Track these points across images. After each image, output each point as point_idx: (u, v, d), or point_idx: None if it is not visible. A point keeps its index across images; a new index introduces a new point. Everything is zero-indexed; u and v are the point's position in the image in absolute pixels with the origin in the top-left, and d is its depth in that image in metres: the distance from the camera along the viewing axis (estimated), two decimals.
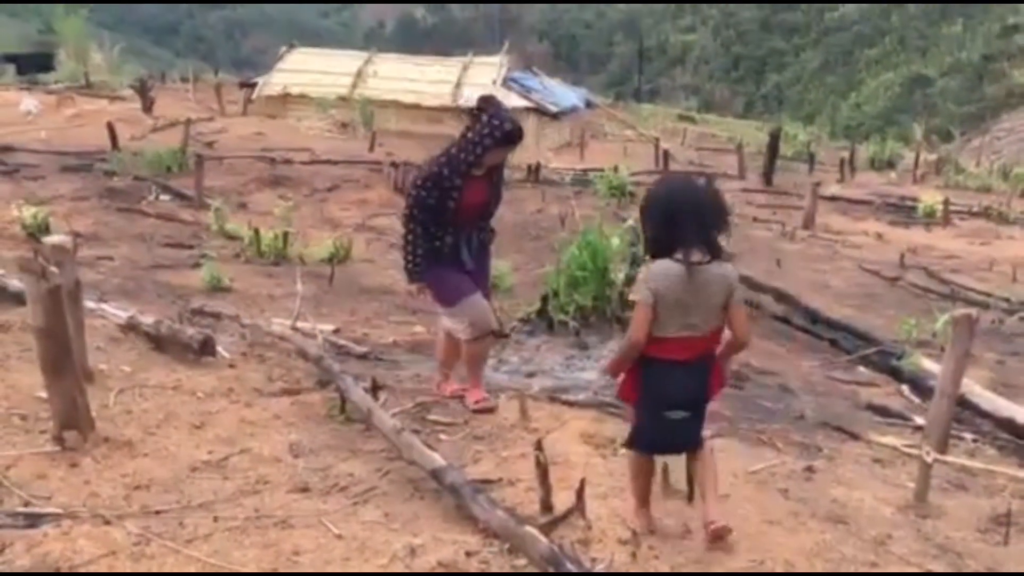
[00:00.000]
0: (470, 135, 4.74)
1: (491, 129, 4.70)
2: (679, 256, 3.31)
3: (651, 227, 3.45)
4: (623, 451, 3.89)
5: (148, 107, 19.79)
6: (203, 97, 24.13)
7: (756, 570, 3.34)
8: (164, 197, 11.60)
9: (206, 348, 5.33)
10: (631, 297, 3.44)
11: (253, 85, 23.92)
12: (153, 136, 15.82)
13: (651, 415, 3.45)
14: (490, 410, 4.81)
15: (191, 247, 9.03)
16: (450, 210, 4.74)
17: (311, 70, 23.23)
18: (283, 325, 6.05)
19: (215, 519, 3.48)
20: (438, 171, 4.74)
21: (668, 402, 3.40)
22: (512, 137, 4.76)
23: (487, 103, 4.82)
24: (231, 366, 5.33)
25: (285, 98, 22.67)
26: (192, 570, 3.13)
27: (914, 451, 4.43)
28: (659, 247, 3.39)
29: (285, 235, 8.91)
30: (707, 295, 3.33)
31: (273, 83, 23.16)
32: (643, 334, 3.32)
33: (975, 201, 16.33)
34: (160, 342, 5.43)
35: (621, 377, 3.55)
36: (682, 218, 3.33)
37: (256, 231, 8.86)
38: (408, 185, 5.02)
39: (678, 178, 3.38)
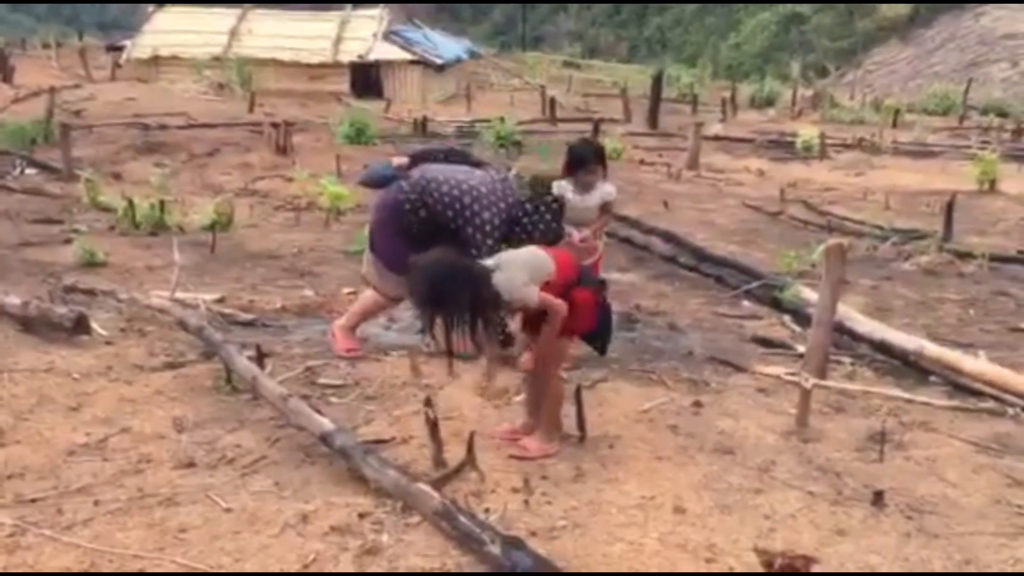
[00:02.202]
0: (526, 221, 5.04)
1: (546, 229, 5.05)
2: None
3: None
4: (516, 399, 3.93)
5: (7, 76, 18.72)
6: (68, 63, 23.03)
7: (648, 505, 3.41)
8: (30, 171, 11.04)
9: (80, 326, 5.11)
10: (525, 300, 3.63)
11: (121, 48, 22.92)
12: (15, 107, 15.02)
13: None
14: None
15: (61, 222, 8.60)
16: None
17: (182, 30, 22.36)
18: (162, 297, 5.83)
19: (95, 503, 3.35)
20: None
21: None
22: (551, 242, 4.99)
23: (557, 203, 5.23)
24: (108, 343, 5.13)
25: (156, 60, 21.82)
26: (72, 557, 3.01)
27: (795, 379, 4.57)
28: None
29: (162, 204, 8.57)
30: None
31: (142, 45, 22.23)
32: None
33: (850, 134, 16.88)
34: (29, 323, 5.18)
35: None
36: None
37: (130, 201, 8.49)
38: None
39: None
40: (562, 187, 5.47)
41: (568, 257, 3.96)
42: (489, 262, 3.73)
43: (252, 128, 14.05)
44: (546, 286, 3.68)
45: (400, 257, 4.73)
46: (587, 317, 3.85)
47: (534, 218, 5.06)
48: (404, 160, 5.31)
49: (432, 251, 3.71)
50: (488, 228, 4.94)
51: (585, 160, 5.44)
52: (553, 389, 3.94)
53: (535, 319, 3.78)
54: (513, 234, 5.03)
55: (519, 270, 3.67)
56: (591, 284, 3.93)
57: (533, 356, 3.82)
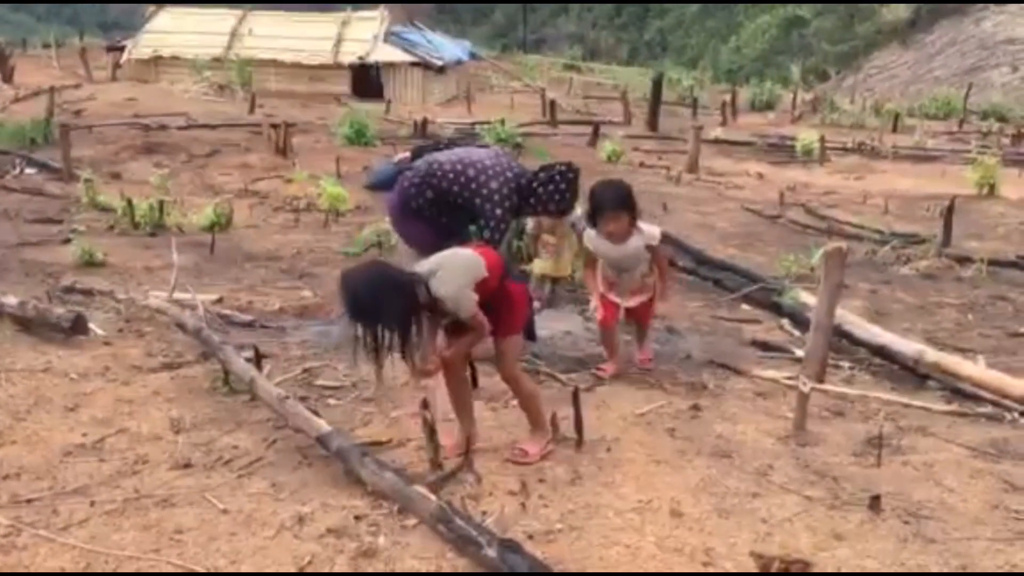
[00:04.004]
0: (539, 190, 4.83)
1: (560, 199, 4.85)
2: None
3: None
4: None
5: (8, 76, 18.74)
6: (69, 63, 23.02)
7: (645, 508, 3.41)
8: (29, 170, 11.04)
9: (78, 327, 5.10)
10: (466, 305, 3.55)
11: (121, 49, 22.93)
12: (14, 107, 15.02)
13: None
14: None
15: (60, 222, 8.60)
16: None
17: (182, 31, 22.36)
18: (161, 298, 5.83)
19: (91, 503, 3.35)
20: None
21: None
22: (565, 213, 5.01)
23: (575, 175, 4.89)
24: (106, 344, 5.12)
25: (156, 61, 21.82)
26: (68, 558, 3.01)
27: (793, 383, 4.57)
28: None
29: (161, 204, 8.57)
30: None
31: (143, 46, 22.24)
32: None
33: (849, 138, 16.91)
34: (27, 323, 5.17)
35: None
36: None
37: (129, 201, 8.49)
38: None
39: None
40: (591, 240, 4.92)
41: (490, 252, 3.89)
42: (423, 268, 3.60)
43: (252, 129, 14.06)
44: (483, 283, 3.62)
45: (424, 237, 4.74)
46: (524, 308, 3.88)
47: (548, 188, 4.85)
48: (406, 155, 5.27)
49: (360, 263, 3.63)
50: (497, 198, 4.79)
51: (601, 208, 4.72)
52: (525, 387, 3.94)
53: (456, 328, 3.70)
54: (527, 206, 4.92)
55: (460, 274, 3.58)
56: (515, 276, 3.98)
57: (439, 362, 3.68)
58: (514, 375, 3.91)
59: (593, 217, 4.74)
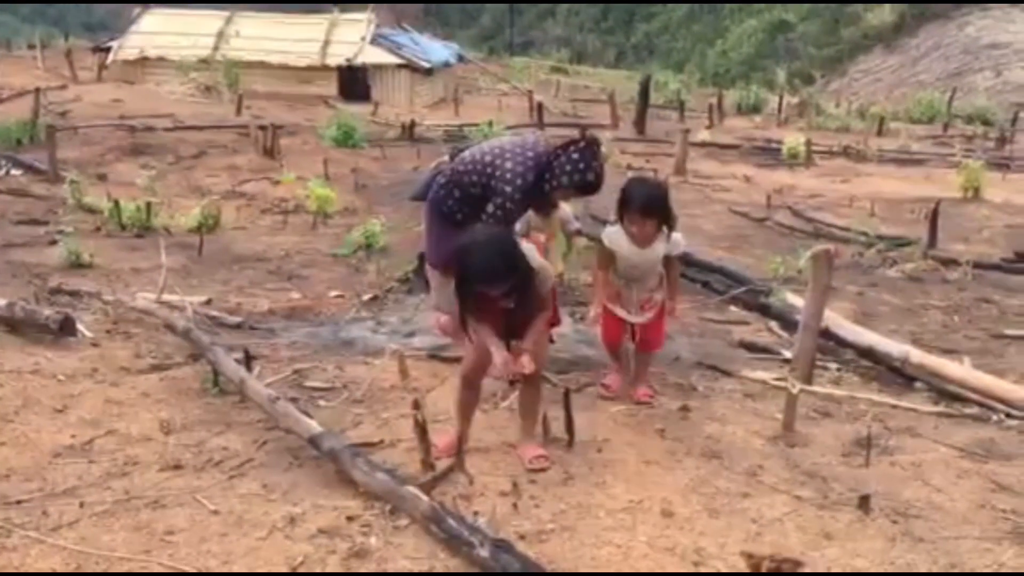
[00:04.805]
0: (554, 164, 4.46)
1: (572, 170, 4.43)
2: None
3: None
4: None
5: None
6: (54, 64, 22.87)
7: (636, 508, 3.42)
8: (15, 172, 10.97)
9: (66, 328, 5.08)
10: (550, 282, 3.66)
11: (107, 49, 22.78)
12: (0, 108, 14.88)
13: None
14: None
15: (47, 223, 8.55)
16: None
17: (169, 32, 22.26)
18: (149, 299, 5.81)
19: (81, 505, 3.34)
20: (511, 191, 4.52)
21: None
22: (589, 189, 4.52)
23: (591, 145, 4.51)
24: (94, 345, 5.11)
25: (143, 62, 21.70)
26: (58, 559, 3.00)
27: (782, 384, 4.60)
28: None
29: (148, 205, 8.53)
30: None
31: (129, 47, 22.12)
32: None
33: (835, 141, 16.99)
34: (15, 325, 5.15)
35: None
36: None
37: (116, 203, 8.45)
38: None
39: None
40: (612, 236, 4.47)
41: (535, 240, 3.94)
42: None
43: (239, 131, 14.01)
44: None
45: (440, 248, 4.63)
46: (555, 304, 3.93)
47: (562, 160, 4.43)
48: (444, 158, 5.07)
49: (474, 230, 3.71)
50: (510, 176, 4.46)
51: (629, 205, 4.33)
52: (540, 386, 3.95)
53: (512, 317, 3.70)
54: (543, 182, 4.50)
55: (531, 250, 3.67)
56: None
57: (532, 356, 3.68)
58: (544, 365, 3.93)
59: (620, 211, 4.36)
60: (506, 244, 3.57)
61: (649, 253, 4.44)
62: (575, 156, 4.42)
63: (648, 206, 4.28)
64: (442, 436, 3.83)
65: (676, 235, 4.52)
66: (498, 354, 3.62)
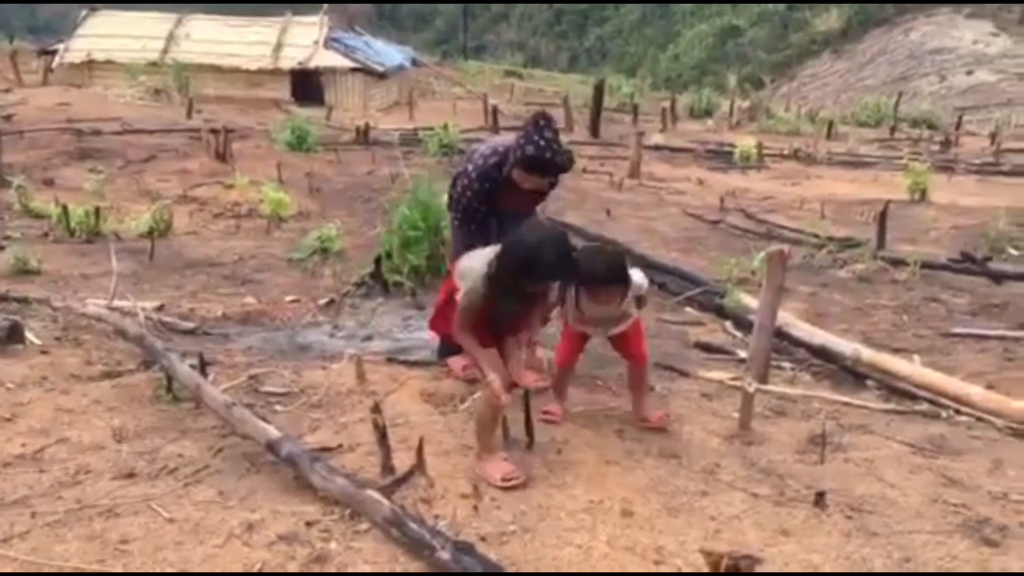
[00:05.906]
0: (515, 144, 4.38)
1: (517, 146, 4.32)
2: None
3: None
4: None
5: None
6: None
7: (596, 509, 3.43)
8: None
9: (14, 335, 4.98)
10: None
11: (53, 52, 22.37)
12: None
13: None
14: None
15: None
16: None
17: (116, 34, 21.93)
18: (99, 305, 5.70)
19: (32, 515, 3.26)
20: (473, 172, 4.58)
21: None
22: (535, 165, 4.27)
23: (535, 119, 4.33)
24: (43, 352, 4.99)
25: (89, 65, 21.34)
26: (9, 570, 2.92)
27: (738, 384, 4.65)
28: None
29: (97, 210, 8.38)
30: None
31: (75, 49, 21.75)
32: None
33: (786, 144, 17.26)
34: None
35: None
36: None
37: (64, 208, 8.29)
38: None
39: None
40: (572, 312, 4.19)
41: None
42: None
43: (190, 134, 13.82)
44: None
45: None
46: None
47: (520, 140, 4.28)
48: None
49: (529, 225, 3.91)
50: (476, 157, 4.57)
51: (592, 279, 3.97)
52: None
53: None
54: (506, 165, 4.40)
55: None
56: None
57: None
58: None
59: (578, 289, 3.99)
60: (567, 239, 3.68)
61: (619, 306, 4.13)
62: (529, 128, 4.32)
63: (612, 280, 3.96)
64: (398, 441, 3.80)
65: (636, 279, 4.12)
66: (495, 381, 3.60)
